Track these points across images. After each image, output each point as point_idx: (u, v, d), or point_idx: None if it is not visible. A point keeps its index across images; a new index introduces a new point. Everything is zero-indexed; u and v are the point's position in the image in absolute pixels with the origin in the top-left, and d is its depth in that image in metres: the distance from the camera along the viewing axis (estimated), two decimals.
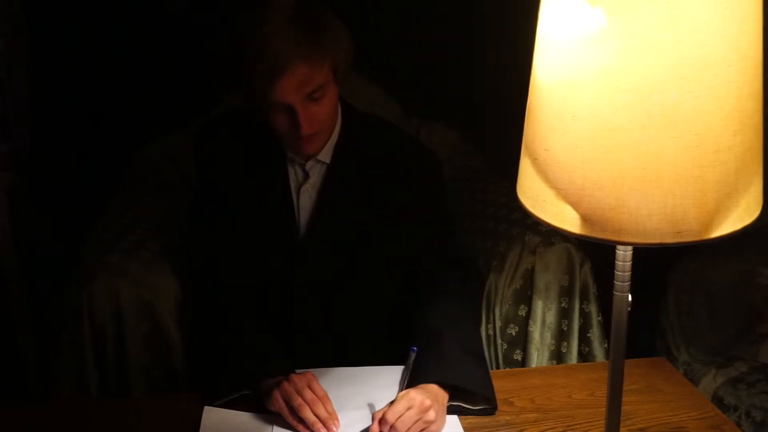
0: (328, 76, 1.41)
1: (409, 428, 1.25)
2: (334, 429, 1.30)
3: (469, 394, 1.36)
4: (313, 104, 1.41)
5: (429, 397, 1.29)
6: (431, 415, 1.27)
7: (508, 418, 1.36)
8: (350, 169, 1.55)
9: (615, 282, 1.03)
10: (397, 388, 1.35)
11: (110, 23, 2.43)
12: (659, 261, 2.06)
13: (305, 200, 1.56)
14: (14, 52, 2.41)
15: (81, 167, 2.48)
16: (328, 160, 1.55)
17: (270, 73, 1.36)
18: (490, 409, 1.36)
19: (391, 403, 1.28)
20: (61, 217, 2.46)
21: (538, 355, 1.86)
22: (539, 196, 0.95)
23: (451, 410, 1.35)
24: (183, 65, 2.41)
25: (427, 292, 1.53)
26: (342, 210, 1.55)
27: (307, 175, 1.56)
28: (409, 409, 1.26)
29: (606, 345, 1.88)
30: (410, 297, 1.57)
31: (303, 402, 1.29)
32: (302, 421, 1.29)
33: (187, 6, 2.41)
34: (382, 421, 1.26)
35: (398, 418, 1.25)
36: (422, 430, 1.27)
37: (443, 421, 1.32)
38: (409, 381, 1.35)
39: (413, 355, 1.34)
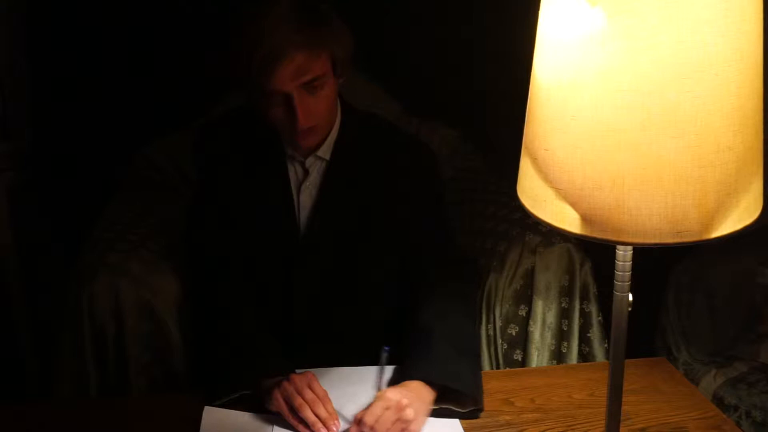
0: (326, 68, 1.42)
1: (387, 429, 1.25)
2: (335, 429, 1.29)
3: (456, 394, 1.35)
4: (310, 96, 1.42)
5: (408, 395, 1.29)
6: (409, 413, 1.27)
7: (508, 418, 1.36)
8: (350, 166, 1.55)
9: (615, 282, 1.03)
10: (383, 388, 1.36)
11: (110, 23, 2.43)
12: (659, 261, 2.06)
13: (305, 198, 1.56)
14: (14, 52, 2.41)
15: (81, 167, 2.48)
16: (328, 157, 1.55)
17: (268, 60, 1.36)
18: (477, 410, 1.36)
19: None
20: (61, 217, 2.47)
21: (538, 355, 1.86)
22: (539, 196, 0.95)
23: (437, 412, 1.35)
24: (183, 65, 2.41)
25: (422, 290, 1.53)
26: (342, 207, 1.55)
27: (307, 173, 1.56)
28: (386, 410, 1.26)
29: (606, 345, 1.88)
30: (409, 295, 1.57)
31: (303, 402, 1.29)
32: (302, 421, 1.29)
33: (187, 6, 2.41)
34: (359, 422, 1.26)
35: (376, 419, 1.25)
36: (402, 429, 1.27)
37: (424, 419, 1.31)
38: (398, 377, 1.35)
39: (385, 355, 1.34)
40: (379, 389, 1.32)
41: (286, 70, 1.38)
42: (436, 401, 1.35)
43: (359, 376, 1.44)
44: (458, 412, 1.35)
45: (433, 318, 1.45)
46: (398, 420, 1.26)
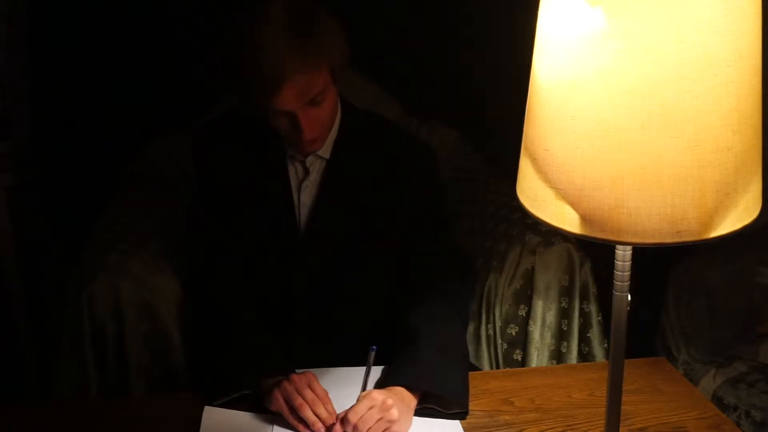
0: (326, 80, 1.41)
1: (370, 427, 1.25)
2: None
3: (441, 397, 1.36)
4: (313, 108, 1.42)
5: (392, 396, 1.29)
6: (394, 413, 1.27)
7: (508, 418, 1.36)
8: (349, 164, 1.55)
9: (615, 282, 1.03)
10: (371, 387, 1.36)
11: (110, 23, 2.43)
12: (659, 261, 2.06)
13: (306, 197, 1.56)
14: (14, 52, 2.41)
15: (81, 167, 2.48)
16: (327, 156, 1.55)
17: (269, 86, 1.36)
18: (463, 413, 1.35)
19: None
20: (61, 217, 2.47)
21: (538, 355, 1.86)
22: (539, 196, 0.95)
23: (422, 413, 1.35)
24: (183, 65, 2.41)
25: (416, 290, 1.53)
26: (342, 206, 1.55)
27: (307, 172, 1.56)
28: (370, 408, 1.26)
29: (606, 345, 1.88)
30: (404, 295, 1.57)
31: (303, 401, 1.30)
32: (302, 420, 1.29)
33: (187, 6, 2.41)
34: (343, 420, 1.26)
35: (359, 417, 1.25)
36: (385, 429, 1.27)
37: (408, 422, 1.32)
38: (382, 382, 1.35)
39: (373, 354, 1.34)
40: (364, 389, 1.32)
41: (288, 93, 1.37)
42: (422, 402, 1.36)
43: (359, 376, 1.44)
44: (442, 412, 1.35)
45: (422, 320, 1.45)
46: (382, 419, 1.26)
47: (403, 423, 1.29)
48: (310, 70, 1.37)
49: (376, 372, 1.44)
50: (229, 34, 1.41)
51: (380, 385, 1.38)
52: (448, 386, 1.36)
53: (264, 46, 1.35)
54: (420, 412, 1.35)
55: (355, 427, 1.25)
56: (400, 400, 1.31)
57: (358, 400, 1.29)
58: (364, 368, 1.44)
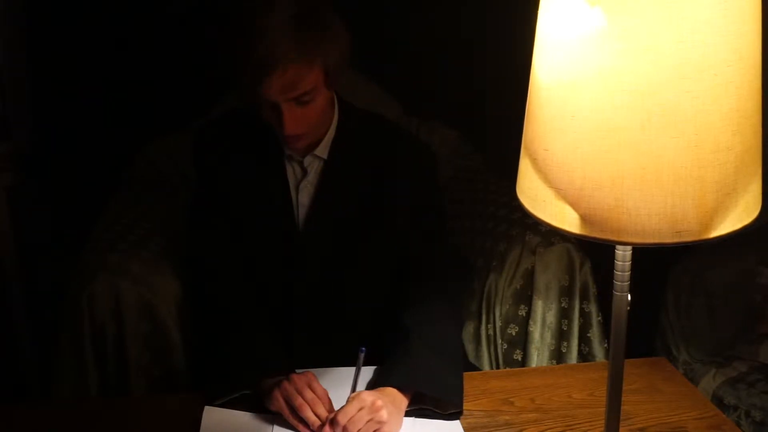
0: (318, 81, 1.41)
1: (360, 429, 1.25)
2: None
3: (437, 398, 1.35)
4: (300, 107, 1.42)
5: (382, 397, 1.29)
6: (383, 415, 1.26)
7: (508, 418, 1.36)
8: (348, 165, 1.55)
9: (615, 282, 1.03)
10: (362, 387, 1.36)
11: (110, 23, 2.43)
12: (659, 261, 2.06)
13: (304, 197, 1.56)
14: (14, 52, 2.41)
15: (81, 167, 2.48)
16: (325, 156, 1.55)
17: (260, 69, 1.36)
18: (457, 413, 1.35)
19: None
20: (61, 217, 2.47)
21: (538, 355, 1.87)
22: (539, 196, 0.96)
23: (419, 414, 1.35)
24: (183, 65, 2.41)
25: (415, 290, 1.53)
26: (340, 206, 1.55)
27: (305, 172, 1.56)
28: (360, 410, 1.26)
29: (606, 345, 1.88)
30: (400, 294, 1.56)
31: (304, 401, 1.30)
32: (303, 420, 1.29)
33: (187, 6, 2.41)
34: (333, 422, 1.26)
35: (349, 419, 1.25)
36: (375, 431, 1.27)
37: (399, 423, 1.31)
38: (374, 382, 1.36)
39: (362, 356, 1.34)
40: (354, 390, 1.32)
41: (276, 82, 1.37)
42: (416, 402, 1.35)
43: (360, 376, 1.44)
44: (438, 413, 1.35)
45: (416, 320, 1.45)
46: (371, 421, 1.26)
47: (392, 424, 1.29)
48: (302, 63, 1.37)
49: (369, 372, 1.44)
50: (235, 17, 1.42)
51: (372, 385, 1.38)
52: (440, 386, 1.36)
53: (264, 31, 1.35)
54: (416, 412, 1.35)
55: (344, 429, 1.25)
56: (390, 401, 1.30)
57: (347, 402, 1.29)
58: (364, 368, 1.44)
